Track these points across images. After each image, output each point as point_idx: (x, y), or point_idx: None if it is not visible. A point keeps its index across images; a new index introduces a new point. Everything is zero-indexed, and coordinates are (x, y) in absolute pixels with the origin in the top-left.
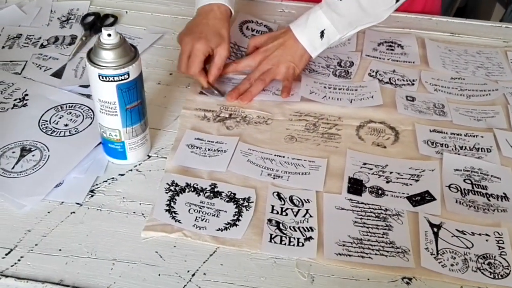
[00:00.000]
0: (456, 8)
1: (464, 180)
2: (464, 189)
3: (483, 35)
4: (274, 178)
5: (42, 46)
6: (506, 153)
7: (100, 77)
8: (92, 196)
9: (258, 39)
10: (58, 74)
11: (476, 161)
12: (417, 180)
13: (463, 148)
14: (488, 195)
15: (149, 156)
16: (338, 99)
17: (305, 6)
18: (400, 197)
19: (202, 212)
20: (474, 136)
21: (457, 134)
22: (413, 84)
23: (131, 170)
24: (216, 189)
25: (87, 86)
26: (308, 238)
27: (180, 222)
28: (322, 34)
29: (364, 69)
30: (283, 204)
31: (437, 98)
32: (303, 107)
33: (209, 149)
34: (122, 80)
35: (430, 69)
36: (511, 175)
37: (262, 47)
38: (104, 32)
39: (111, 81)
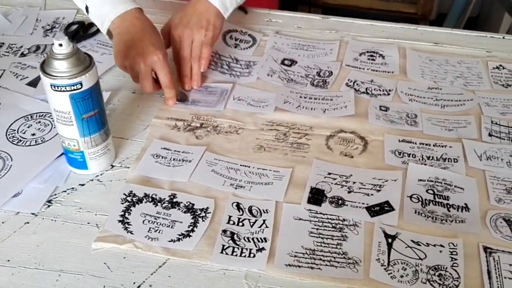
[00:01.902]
0: (467, 18)
1: (426, 191)
2: (425, 199)
3: (467, 45)
4: (236, 188)
5: (23, 54)
6: (472, 164)
7: (53, 87)
8: (49, 206)
9: (174, 21)
10: (33, 83)
11: (441, 172)
12: (378, 190)
13: (430, 158)
14: (448, 206)
15: (113, 166)
16: (312, 108)
17: (292, 16)
18: (360, 207)
19: (157, 223)
20: (442, 146)
21: (426, 144)
22: (388, 94)
23: (92, 180)
24: (174, 200)
25: None
26: (261, 249)
27: (132, 233)
28: None
29: (342, 79)
30: (241, 215)
31: (410, 108)
32: (276, 116)
33: (174, 159)
34: (75, 90)
35: (407, 79)
36: (475, 186)
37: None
38: (56, 42)
39: (64, 91)
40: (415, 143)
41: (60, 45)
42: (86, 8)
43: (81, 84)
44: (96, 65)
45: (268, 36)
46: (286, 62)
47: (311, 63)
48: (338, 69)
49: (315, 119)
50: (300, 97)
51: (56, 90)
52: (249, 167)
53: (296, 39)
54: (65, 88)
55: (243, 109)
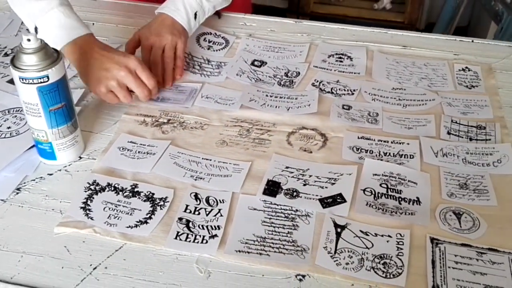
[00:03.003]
0: (455, 26)
1: (380, 185)
2: (378, 192)
3: (435, 48)
4: (195, 180)
5: (6, 54)
6: (428, 159)
7: (21, 79)
8: (17, 193)
9: (143, 34)
10: (13, 81)
11: (396, 167)
12: (333, 184)
13: (387, 154)
14: (400, 199)
15: (81, 158)
16: (276, 106)
17: (266, 20)
18: (313, 199)
19: (117, 211)
20: (400, 143)
21: (384, 141)
22: (352, 94)
23: (60, 170)
24: (136, 189)
25: None
26: (213, 236)
27: (92, 219)
28: (195, 15)
29: (309, 79)
30: (198, 204)
31: (373, 107)
32: (241, 114)
33: (139, 152)
34: (42, 82)
35: (372, 80)
36: (428, 180)
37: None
38: (24, 37)
39: (31, 83)
40: (374, 140)
41: (29, 40)
42: (36, 29)
43: (47, 77)
44: (63, 60)
45: (241, 39)
46: (256, 63)
47: (280, 64)
48: (306, 70)
49: (278, 117)
50: (266, 95)
51: (24, 83)
52: (210, 160)
53: (268, 41)
54: (33, 81)
55: (210, 107)
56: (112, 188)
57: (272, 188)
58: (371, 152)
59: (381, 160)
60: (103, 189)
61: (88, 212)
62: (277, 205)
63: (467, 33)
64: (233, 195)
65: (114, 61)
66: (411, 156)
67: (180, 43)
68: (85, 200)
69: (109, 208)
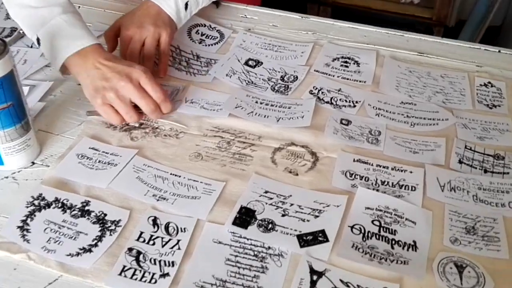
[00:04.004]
0: (487, 26)
1: (372, 221)
2: (369, 231)
3: (456, 57)
4: (158, 200)
5: None
6: (432, 194)
7: None
8: None
9: (124, 22)
10: None
11: (394, 200)
12: (316, 216)
13: (385, 183)
14: (394, 242)
15: (34, 163)
16: (265, 116)
17: (268, 13)
18: (291, 234)
19: (59, 233)
20: (401, 171)
21: (383, 167)
22: (354, 106)
23: (6, 177)
24: (86, 208)
25: None
26: (164, 275)
27: (28, 242)
28: (186, 5)
29: (307, 85)
30: (155, 231)
31: (375, 123)
32: (224, 122)
33: (99, 161)
34: None
35: (379, 91)
36: (430, 220)
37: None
38: None
39: None
40: (371, 164)
41: None
42: (38, 40)
43: None
44: (10, 54)
45: (237, 33)
46: (250, 62)
47: (277, 66)
48: (305, 75)
49: (266, 128)
50: (256, 102)
51: None
52: (179, 176)
53: (267, 38)
54: None
55: (195, 113)
56: (60, 205)
57: (245, 218)
58: (366, 179)
59: (377, 190)
60: (48, 205)
61: (25, 233)
62: (247, 239)
63: (499, 34)
64: (197, 222)
65: (116, 70)
66: (413, 188)
67: (165, 36)
68: (24, 218)
69: (51, 230)
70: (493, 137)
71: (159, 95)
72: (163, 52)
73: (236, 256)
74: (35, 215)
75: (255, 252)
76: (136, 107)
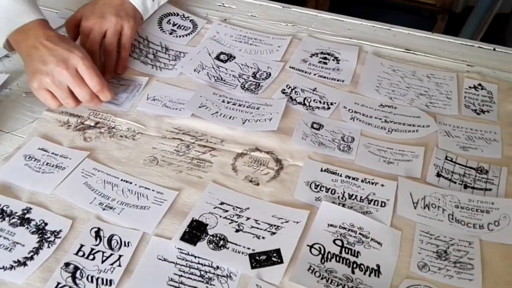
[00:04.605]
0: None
1: (334, 241)
2: (329, 252)
3: (446, 55)
4: (104, 209)
5: None
6: (402, 211)
7: None
8: None
9: (85, 12)
10: None
11: (360, 217)
12: (273, 233)
13: (353, 197)
14: (355, 265)
15: None
16: (230, 117)
17: (248, 2)
18: (243, 253)
19: None
20: (372, 184)
21: (353, 178)
22: (328, 108)
23: None
24: (27, 215)
25: None
26: None
27: None
28: None
29: (280, 83)
30: (97, 245)
31: (349, 128)
32: (186, 122)
33: (47, 164)
34: None
35: (357, 92)
36: (397, 242)
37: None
38: None
39: None
40: (340, 175)
41: None
42: None
43: None
44: None
45: (211, 24)
46: (222, 56)
47: (250, 61)
48: (279, 71)
49: (229, 131)
50: (223, 101)
51: None
52: (130, 183)
53: (243, 30)
54: None
55: (156, 112)
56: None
57: (195, 232)
58: (333, 192)
59: (343, 205)
60: None
61: None
62: (195, 257)
63: (508, 21)
64: (143, 236)
65: (54, 53)
66: (383, 204)
67: (127, 29)
68: None
69: None
70: (478, 147)
71: (95, 84)
72: (123, 47)
73: (180, 276)
74: None
75: (202, 272)
76: None
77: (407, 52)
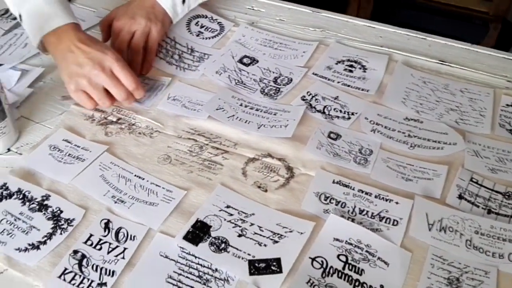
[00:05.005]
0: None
1: (338, 256)
2: (331, 267)
3: (484, 69)
4: (115, 202)
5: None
6: (415, 232)
7: None
8: None
9: (118, 13)
10: None
11: (369, 234)
12: (276, 242)
13: (364, 213)
14: (357, 283)
15: (9, 150)
16: (246, 121)
17: (277, 5)
18: (243, 258)
19: (14, 225)
20: (386, 200)
21: (366, 193)
22: (349, 118)
23: None
24: (45, 202)
25: (0, 65)
26: (102, 284)
27: None
28: None
29: (301, 90)
30: (105, 236)
31: (368, 141)
32: (202, 124)
33: (69, 155)
34: None
35: (381, 103)
36: (406, 264)
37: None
38: None
39: None
40: (352, 189)
41: None
42: (20, 17)
43: None
44: None
45: (238, 27)
46: (245, 60)
47: (273, 65)
48: (301, 77)
49: (244, 135)
50: (240, 105)
51: None
52: (143, 179)
53: (269, 34)
54: None
55: (175, 111)
56: (21, 196)
57: (198, 233)
58: (343, 205)
59: (353, 220)
60: (10, 196)
61: None
62: (195, 257)
63: None
64: (148, 231)
65: (88, 56)
66: (395, 222)
67: (155, 31)
68: None
69: (7, 221)
70: (509, 170)
71: (130, 83)
72: (149, 49)
73: (179, 274)
74: None
75: (200, 273)
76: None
77: (442, 63)
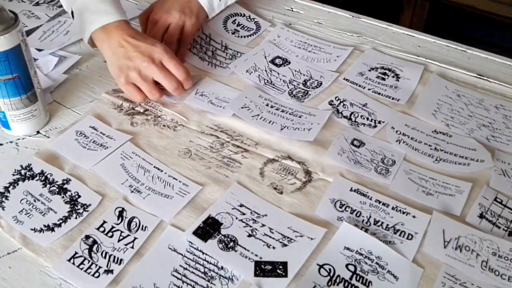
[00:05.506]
0: None
1: (346, 265)
2: (338, 276)
3: None
4: (132, 192)
5: (37, 4)
6: (430, 248)
7: None
8: None
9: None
10: (27, 33)
11: (381, 246)
12: (284, 245)
13: (378, 223)
14: None
15: (38, 132)
16: (270, 121)
17: (317, 8)
18: (249, 258)
19: (33, 206)
20: (403, 213)
21: (383, 204)
22: (375, 126)
23: (11, 142)
24: (65, 186)
25: (40, 50)
26: (109, 271)
27: (3, 209)
28: None
29: (330, 94)
30: (118, 224)
31: (392, 151)
32: (226, 121)
33: (94, 142)
34: None
35: (411, 113)
36: (416, 280)
37: None
38: None
39: None
40: (370, 198)
41: None
42: (72, 13)
43: None
44: (20, 28)
45: (274, 27)
46: (277, 61)
47: (305, 68)
48: (331, 82)
49: (266, 135)
50: (267, 105)
51: None
52: (161, 171)
53: (304, 36)
54: None
55: (201, 107)
56: (43, 178)
57: (208, 229)
58: (358, 214)
59: (366, 230)
60: (32, 177)
61: (3, 199)
62: (203, 253)
63: None
64: (160, 223)
65: (139, 50)
66: (409, 237)
67: (189, 25)
68: (7, 185)
69: (26, 201)
70: None
71: (181, 73)
72: (183, 42)
73: (185, 268)
74: (17, 184)
75: (206, 269)
76: (157, 83)
77: (479, 77)
